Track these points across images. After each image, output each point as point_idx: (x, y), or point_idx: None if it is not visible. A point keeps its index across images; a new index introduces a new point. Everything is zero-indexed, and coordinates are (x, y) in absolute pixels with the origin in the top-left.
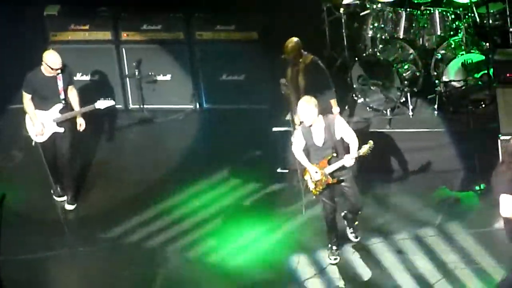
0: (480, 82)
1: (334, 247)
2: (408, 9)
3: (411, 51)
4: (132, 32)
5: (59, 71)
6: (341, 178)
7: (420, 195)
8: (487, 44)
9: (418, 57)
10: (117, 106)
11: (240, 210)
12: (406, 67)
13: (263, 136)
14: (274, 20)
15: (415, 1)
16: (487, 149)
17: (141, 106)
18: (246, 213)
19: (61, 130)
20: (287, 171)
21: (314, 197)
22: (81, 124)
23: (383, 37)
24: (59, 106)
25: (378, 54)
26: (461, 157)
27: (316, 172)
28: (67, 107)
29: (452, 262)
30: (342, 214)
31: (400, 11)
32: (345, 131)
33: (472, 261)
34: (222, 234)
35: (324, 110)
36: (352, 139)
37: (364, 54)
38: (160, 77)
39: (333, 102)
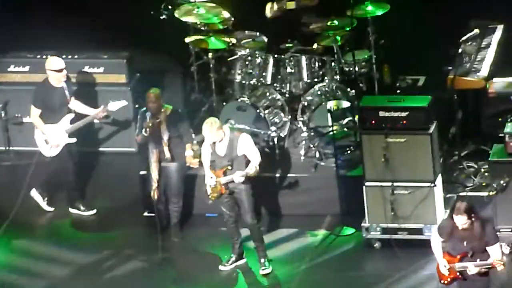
0: (346, 129)
1: (232, 257)
2: (275, 55)
3: (278, 96)
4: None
5: (64, 72)
6: (234, 190)
7: (286, 239)
8: (353, 91)
9: (285, 103)
10: None
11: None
12: (273, 112)
13: (130, 180)
14: (141, 64)
15: (282, 47)
16: (352, 195)
17: (7, 148)
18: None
19: (74, 140)
20: (153, 215)
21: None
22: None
23: (251, 82)
24: (70, 116)
25: (246, 99)
26: (327, 202)
27: (211, 178)
28: (75, 116)
29: None
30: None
31: (267, 56)
32: (248, 149)
33: None
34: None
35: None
36: (253, 158)
37: (232, 99)
38: (27, 119)
39: (188, 146)
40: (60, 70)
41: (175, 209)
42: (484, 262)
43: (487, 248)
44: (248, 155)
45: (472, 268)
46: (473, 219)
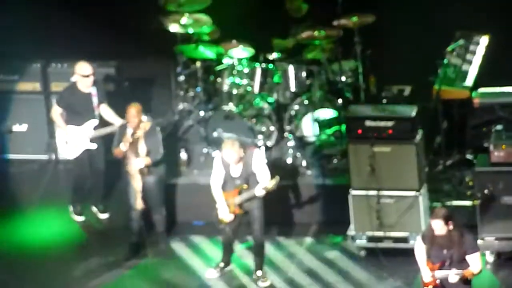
0: (332, 138)
1: (221, 264)
2: (263, 65)
3: (266, 106)
4: None
5: (91, 78)
6: (248, 209)
7: (272, 247)
8: (340, 100)
9: (272, 112)
10: None
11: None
12: (260, 121)
13: (116, 187)
14: (129, 72)
15: (270, 57)
16: (338, 204)
17: None
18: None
19: (95, 146)
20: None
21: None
22: None
23: (238, 91)
24: (94, 122)
25: (233, 108)
26: (313, 210)
27: (224, 214)
28: (100, 123)
29: None
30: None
31: (255, 66)
32: (259, 164)
33: None
34: None
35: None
36: (263, 173)
37: (220, 108)
38: (16, 127)
39: (148, 160)
40: (87, 76)
41: (159, 218)
42: (460, 271)
43: (466, 257)
44: (258, 170)
45: (452, 277)
46: (450, 226)
